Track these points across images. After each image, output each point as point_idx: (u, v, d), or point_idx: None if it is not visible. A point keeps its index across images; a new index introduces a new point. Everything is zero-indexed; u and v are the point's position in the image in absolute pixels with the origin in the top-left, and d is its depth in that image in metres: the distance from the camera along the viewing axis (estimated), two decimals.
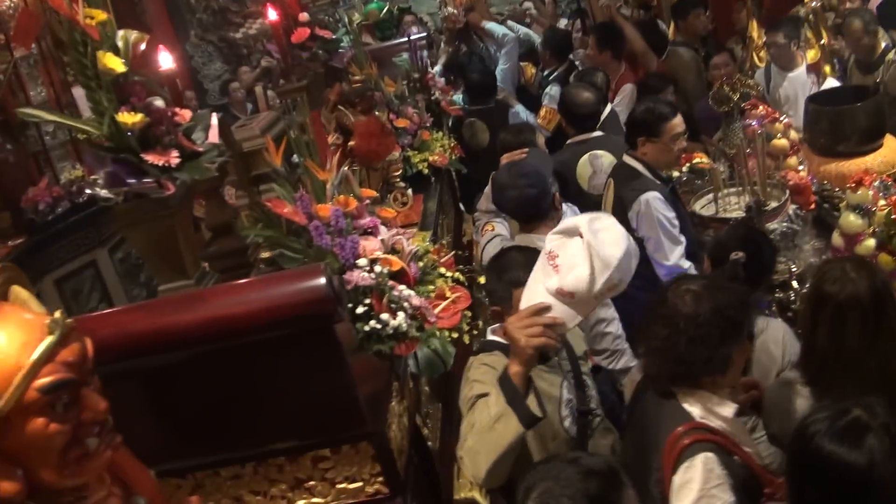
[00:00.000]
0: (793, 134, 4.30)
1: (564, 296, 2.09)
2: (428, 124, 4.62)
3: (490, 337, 2.63)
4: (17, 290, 1.39)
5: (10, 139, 4.16)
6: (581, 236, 2.11)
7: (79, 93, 3.77)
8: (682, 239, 3.64)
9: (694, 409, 2.17)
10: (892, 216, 2.98)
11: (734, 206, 4.13)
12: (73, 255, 4.05)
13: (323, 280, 1.77)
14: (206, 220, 2.79)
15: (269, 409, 1.89)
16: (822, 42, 5.10)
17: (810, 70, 5.16)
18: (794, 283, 3.21)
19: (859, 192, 3.20)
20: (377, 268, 2.30)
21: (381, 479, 1.99)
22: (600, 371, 3.06)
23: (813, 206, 4.01)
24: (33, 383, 1.24)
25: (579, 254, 2.09)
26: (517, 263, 2.47)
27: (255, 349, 1.82)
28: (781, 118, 4.32)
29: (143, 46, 2.27)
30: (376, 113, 3.81)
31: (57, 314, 1.30)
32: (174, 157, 2.26)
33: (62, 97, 4.51)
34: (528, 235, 3.41)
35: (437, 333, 2.38)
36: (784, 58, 5.28)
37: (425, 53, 5.23)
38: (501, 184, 3.48)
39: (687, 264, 3.61)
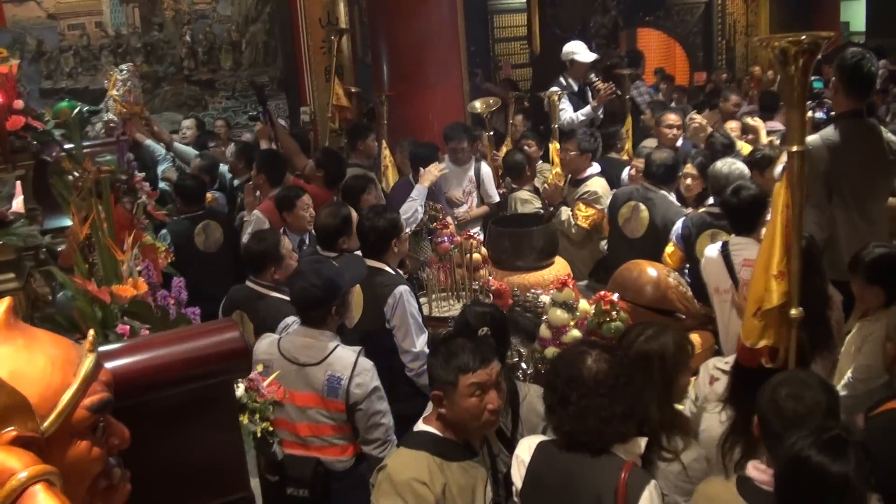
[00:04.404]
0: (483, 250, 4.96)
1: None
2: (144, 226, 4.50)
3: (421, 426, 2.64)
4: None
5: None
6: None
7: None
8: (425, 329, 4.00)
9: (623, 455, 2.39)
10: (602, 308, 3.63)
11: (444, 308, 4.64)
12: None
13: (237, 332, 1.79)
14: None
15: (165, 473, 1.80)
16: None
17: None
18: (523, 365, 3.72)
19: (564, 292, 3.84)
20: None
21: None
22: None
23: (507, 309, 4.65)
24: (83, 401, 1.17)
25: None
26: (466, 349, 2.57)
27: (156, 408, 1.75)
28: (473, 233, 4.97)
29: None
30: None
31: (90, 335, 1.25)
32: None
33: None
34: (311, 330, 3.48)
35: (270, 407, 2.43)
36: (463, 158, 6.54)
37: (131, 155, 5.08)
38: (298, 270, 3.61)
39: (428, 350, 3.95)
